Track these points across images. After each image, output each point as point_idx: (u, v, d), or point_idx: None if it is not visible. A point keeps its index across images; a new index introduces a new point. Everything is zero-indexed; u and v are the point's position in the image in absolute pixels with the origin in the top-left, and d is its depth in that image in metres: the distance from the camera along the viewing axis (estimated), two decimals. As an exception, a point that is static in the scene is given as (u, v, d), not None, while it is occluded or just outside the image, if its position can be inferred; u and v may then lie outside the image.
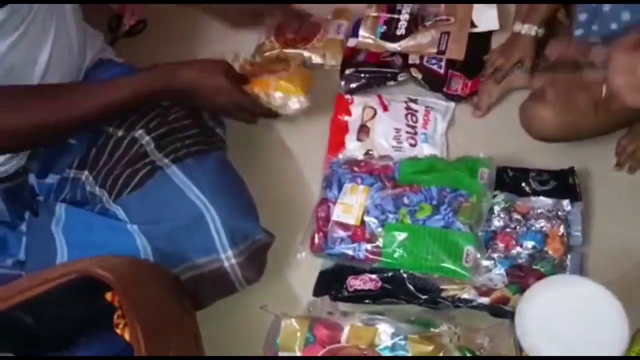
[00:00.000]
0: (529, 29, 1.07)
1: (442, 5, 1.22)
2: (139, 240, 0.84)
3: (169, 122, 0.92)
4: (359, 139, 1.14)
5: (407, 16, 1.22)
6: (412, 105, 1.16)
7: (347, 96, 1.19)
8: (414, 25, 1.21)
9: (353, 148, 1.14)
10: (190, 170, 0.86)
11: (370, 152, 1.13)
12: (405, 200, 0.99)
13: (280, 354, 0.84)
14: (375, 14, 1.25)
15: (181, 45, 1.46)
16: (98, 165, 0.90)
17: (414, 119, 1.14)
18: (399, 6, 1.24)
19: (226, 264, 0.86)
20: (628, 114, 0.97)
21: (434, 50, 1.17)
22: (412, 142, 1.12)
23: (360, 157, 1.12)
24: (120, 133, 0.93)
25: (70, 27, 0.93)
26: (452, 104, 1.17)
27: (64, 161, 0.93)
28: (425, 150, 1.11)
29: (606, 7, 0.92)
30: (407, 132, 1.13)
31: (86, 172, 0.91)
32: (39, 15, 0.85)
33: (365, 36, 1.24)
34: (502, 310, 0.91)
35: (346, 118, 1.17)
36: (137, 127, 0.91)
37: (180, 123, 0.93)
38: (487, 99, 1.14)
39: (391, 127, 1.14)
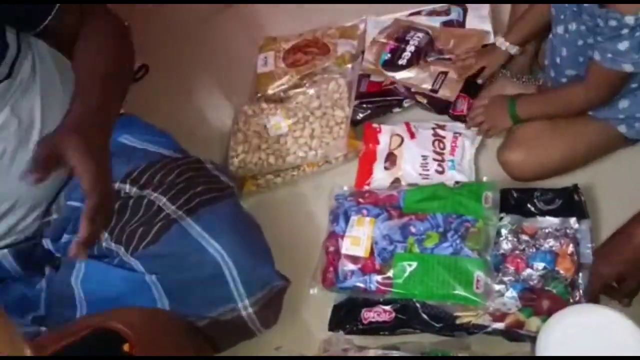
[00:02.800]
0: (502, 44, 1.14)
1: (451, 43, 1.23)
2: (155, 293, 0.85)
3: (176, 176, 0.93)
4: (386, 168, 1.15)
5: (413, 48, 1.24)
6: (440, 131, 1.16)
7: (375, 125, 1.20)
8: (417, 58, 1.22)
9: (381, 177, 1.14)
10: (204, 221, 0.87)
11: (398, 181, 1.12)
12: (412, 229, 1.00)
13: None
14: (384, 41, 1.27)
15: (183, 87, 1.49)
16: (111, 223, 0.90)
17: (442, 145, 1.13)
18: (408, 36, 1.26)
19: (244, 313, 0.86)
20: (594, 144, 1.04)
21: (428, 87, 1.18)
22: (440, 169, 1.11)
23: (388, 185, 1.12)
24: (127, 189, 0.94)
25: (58, 87, 0.94)
26: None
27: (76, 224, 0.95)
28: (453, 177, 1.09)
29: (558, 60, 1.01)
30: (434, 160, 1.12)
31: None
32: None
33: (369, 61, 1.26)
34: (517, 335, 0.91)
35: (375, 146, 1.18)
36: (144, 185, 0.92)
37: (186, 175, 0.93)
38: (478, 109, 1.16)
39: (418, 154, 1.13)
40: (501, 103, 1.09)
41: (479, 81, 1.17)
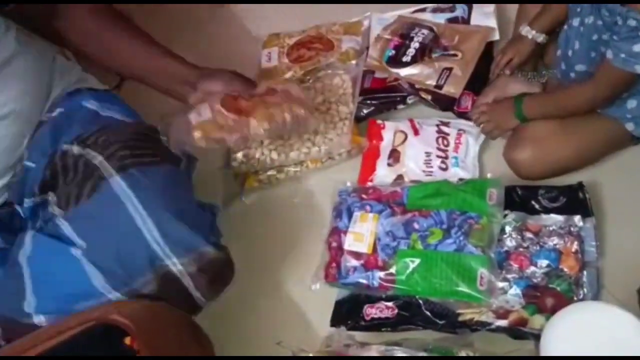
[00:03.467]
0: (528, 32, 1.11)
1: (455, 39, 1.22)
2: (87, 267, 0.83)
3: (120, 137, 0.91)
4: (389, 164, 1.14)
5: (417, 44, 1.23)
6: (444, 128, 1.15)
7: (379, 121, 1.20)
8: (421, 54, 1.21)
9: (384, 173, 1.14)
10: (133, 181, 0.85)
11: (401, 177, 1.12)
12: (416, 226, 1.00)
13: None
14: (388, 37, 1.27)
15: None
16: (58, 186, 0.91)
17: (446, 142, 1.13)
18: (412, 33, 1.25)
19: (174, 269, 0.83)
20: (601, 143, 1.04)
21: (433, 83, 1.17)
22: (443, 166, 1.11)
23: (391, 182, 1.11)
24: (74, 150, 0.92)
25: (20, 73, 0.94)
26: None
27: (29, 184, 0.95)
28: (457, 174, 1.09)
29: (570, 52, 1.00)
30: (437, 156, 1.12)
31: (51, 193, 0.91)
32: None
33: (373, 57, 1.25)
34: (521, 332, 0.90)
35: (378, 143, 1.17)
36: (88, 146, 0.91)
37: (132, 138, 0.92)
38: (482, 105, 1.15)
39: (422, 151, 1.13)
40: (506, 104, 1.08)
41: (507, 72, 1.14)
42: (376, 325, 0.96)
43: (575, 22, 0.97)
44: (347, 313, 1.00)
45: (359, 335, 0.94)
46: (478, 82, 1.18)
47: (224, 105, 0.94)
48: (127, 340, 0.76)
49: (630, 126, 1.02)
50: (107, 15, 0.99)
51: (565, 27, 1.02)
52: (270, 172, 1.19)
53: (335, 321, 1.00)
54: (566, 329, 0.78)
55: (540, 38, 1.11)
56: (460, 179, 1.06)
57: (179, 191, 0.90)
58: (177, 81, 0.99)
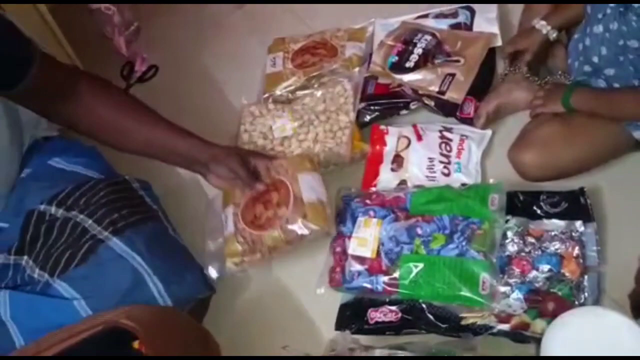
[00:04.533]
0: (543, 26, 1.10)
1: (458, 45, 1.23)
2: (84, 315, 0.86)
3: (101, 198, 0.96)
4: (393, 169, 1.15)
5: (420, 50, 1.24)
6: (447, 134, 1.16)
7: (383, 127, 1.21)
8: (424, 60, 1.22)
9: (387, 178, 1.15)
10: (131, 242, 0.91)
11: (404, 183, 1.13)
12: (419, 231, 1.01)
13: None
14: (391, 43, 1.28)
15: (192, 87, 1.50)
16: (36, 248, 0.93)
17: (448, 148, 1.14)
18: (415, 39, 1.26)
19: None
20: (606, 147, 1.04)
21: (436, 88, 1.18)
22: (446, 171, 1.12)
23: (394, 187, 1.12)
24: (52, 211, 0.96)
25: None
26: (489, 132, 1.16)
27: (0, 244, 0.97)
28: (459, 180, 1.10)
29: (596, 59, 0.98)
30: (440, 162, 1.13)
31: (25, 257, 0.93)
32: None
33: (376, 63, 1.27)
34: (523, 336, 0.91)
35: (382, 148, 1.18)
36: (70, 207, 0.95)
37: (112, 197, 0.97)
38: (485, 112, 1.16)
39: (425, 156, 1.14)
40: (560, 88, 1.06)
41: (524, 69, 1.14)
42: (380, 329, 0.98)
43: (598, 29, 0.96)
44: (352, 317, 1.01)
45: (363, 339, 0.95)
46: (481, 88, 1.20)
47: (243, 219, 1.06)
48: (136, 344, 0.78)
49: (638, 134, 1.02)
50: (118, 97, 1.01)
51: (576, 35, 1.02)
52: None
53: (340, 325, 1.01)
54: (566, 334, 0.79)
55: (554, 34, 1.10)
56: (463, 184, 1.08)
57: (170, 245, 0.98)
58: (190, 162, 1.06)
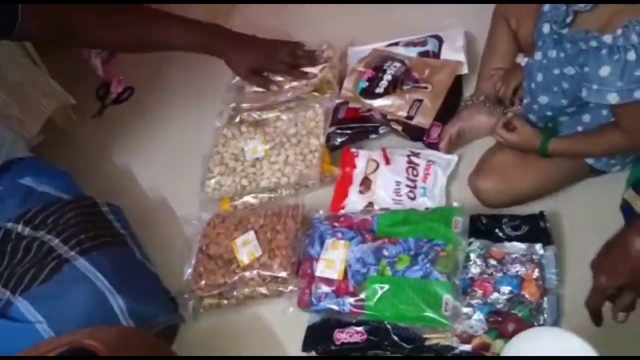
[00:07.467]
0: (523, 60, 1.13)
1: (426, 72, 1.27)
2: (47, 337, 0.86)
3: (69, 219, 0.98)
4: (360, 192, 1.18)
5: (389, 77, 1.27)
6: (414, 159, 1.19)
7: (354, 149, 1.24)
8: (393, 86, 1.26)
9: (355, 200, 1.17)
10: (96, 263, 0.92)
11: (371, 205, 1.15)
12: (385, 252, 1.03)
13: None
14: (362, 69, 1.31)
15: (167, 109, 1.52)
16: (0, 266, 0.94)
17: (415, 172, 1.17)
18: (385, 66, 1.30)
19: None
20: (562, 174, 1.07)
21: (404, 114, 1.22)
22: (412, 195, 1.15)
23: (361, 208, 1.14)
24: (19, 229, 0.96)
25: None
26: (455, 158, 1.19)
27: None
28: (424, 204, 1.12)
29: (533, 85, 1.02)
30: (407, 186, 1.16)
31: None
32: None
33: (347, 89, 1.30)
34: (483, 357, 0.93)
35: (352, 170, 1.21)
36: (37, 226, 0.96)
37: (80, 218, 0.99)
38: (447, 135, 1.19)
39: (392, 180, 1.17)
40: (534, 137, 1.03)
41: (518, 106, 1.14)
42: (346, 349, 0.99)
43: (538, 55, 1.00)
44: (318, 338, 1.02)
45: (328, 360, 0.96)
46: (447, 114, 1.23)
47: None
48: (100, 364, 0.78)
49: (590, 160, 1.07)
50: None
51: (528, 60, 1.05)
52: (245, 199, 1.22)
53: (307, 346, 1.02)
54: (521, 353, 0.81)
55: None
56: (427, 208, 1.10)
57: (136, 268, 1.00)
58: (205, 50, 1.24)
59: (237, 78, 1.35)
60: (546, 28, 0.96)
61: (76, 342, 0.78)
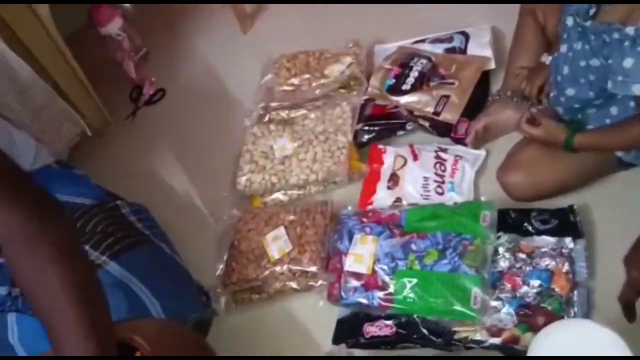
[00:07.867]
0: (547, 58, 1.13)
1: (453, 69, 1.27)
2: None
3: (95, 225, 1.00)
4: (389, 187, 1.19)
5: (416, 74, 1.28)
6: (442, 154, 1.20)
7: (381, 146, 1.25)
8: (420, 83, 1.27)
9: (383, 196, 1.18)
10: (128, 265, 0.94)
11: (399, 200, 1.17)
12: (413, 247, 1.04)
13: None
14: (388, 67, 1.33)
15: (197, 109, 1.56)
16: None
17: (443, 168, 1.18)
18: (411, 62, 1.31)
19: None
20: (590, 167, 1.06)
21: (431, 110, 1.23)
22: (440, 190, 1.16)
23: (389, 204, 1.16)
24: None
25: None
26: (483, 153, 1.19)
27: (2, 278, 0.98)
28: (452, 199, 1.13)
29: (559, 78, 1.02)
30: (435, 181, 1.17)
31: None
32: None
33: (374, 86, 1.31)
34: (513, 350, 0.94)
35: (379, 166, 1.22)
36: None
37: (105, 223, 1.00)
38: (474, 129, 1.20)
39: (420, 176, 1.18)
40: (559, 132, 1.02)
41: (545, 101, 1.13)
42: (376, 342, 1.01)
43: (564, 48, 1.00)
44: (348, 331, 1.04)
45: (359, 353, 0.98)
46: (474, 109, 1.23)
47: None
48: (138, 354, 0.81)
49: (620, 152, 1.06)
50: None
51: (555, 54, 1.06)
52: (274, 195, 1.25)
53: (337, 339, 1.04)
54: (551, 345, 0.81)
55: None
56: (456, 203, 1.11)
57: (166, 264, 1.01)
58: None
59: (266, 78, 1.37)
60: (570, 21, 0.96)
61: (121, 338, 0.81)
